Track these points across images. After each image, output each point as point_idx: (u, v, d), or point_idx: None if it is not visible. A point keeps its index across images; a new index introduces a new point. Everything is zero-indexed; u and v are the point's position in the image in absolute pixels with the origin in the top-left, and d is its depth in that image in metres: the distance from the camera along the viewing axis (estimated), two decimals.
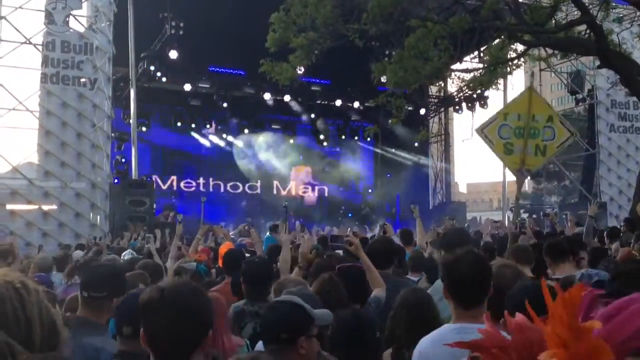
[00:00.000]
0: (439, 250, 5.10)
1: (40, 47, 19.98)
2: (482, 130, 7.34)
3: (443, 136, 34.72)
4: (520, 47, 17.91)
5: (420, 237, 9.49)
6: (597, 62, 19.02)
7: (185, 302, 2.54)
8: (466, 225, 21.94)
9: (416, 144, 30.93)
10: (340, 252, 7.72)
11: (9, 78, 20.07)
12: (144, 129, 26.16)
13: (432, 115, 34.19)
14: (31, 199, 19.34)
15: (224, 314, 4.20)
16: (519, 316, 1.62)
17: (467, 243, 4.96)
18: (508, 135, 6.90)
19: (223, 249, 8.36)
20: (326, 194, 32.48)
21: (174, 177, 29.55)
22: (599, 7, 16.59)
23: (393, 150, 32.49)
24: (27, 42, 20.03)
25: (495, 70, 18.18)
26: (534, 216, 29.20)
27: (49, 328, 1.91)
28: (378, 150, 32.72)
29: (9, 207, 19.13)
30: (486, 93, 28.42)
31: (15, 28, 19.95)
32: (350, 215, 30.49)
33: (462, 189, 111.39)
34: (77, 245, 13.89)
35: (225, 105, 28.38)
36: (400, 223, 25.66)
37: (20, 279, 1.95)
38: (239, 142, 30.50)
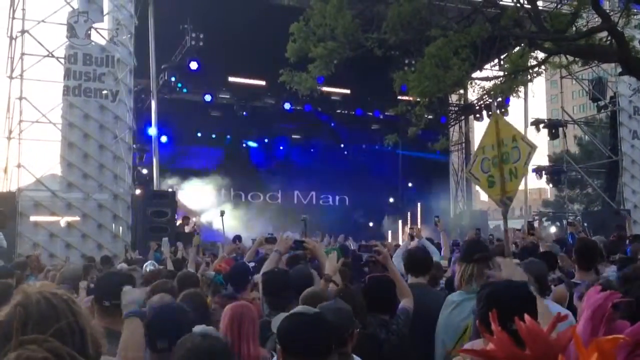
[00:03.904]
0: (459, 262, 5.08)
1: (62, 60, 20.17)
2: (470, 171, 7.31)
3: (464, 144, 34.57)
4: (540, 55, 17.82)
5: (445, 249, 9.52)
6: (619, 69, 18.88)
7: None
8: (490, 234, 21.80)
9: (437, 152, 30.83)
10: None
11: (32, 91, 20.26)
12: (165, 139, 26.32)
13: (452, 123, 34.09)
14: (54, 210, 19.50)
15: (253, 320, 4.21)
16: (529, 321, 1.60)
17: (482, 251, 4.96)
18: (488, 168, 6.84)
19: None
20: (347, 203, 32.43)
21: (195, 188, 29.62)
22: (620, 14, 16.46)
23: (414, 158, 32.40)
24: (50, 55, 20.24)
25: (516, 78, 18.08)
26: (557, 224, 29.01)
27: (96, 339, 1.94)
28: (399, 159, 32.63)
29: (32, 218, 19.29)
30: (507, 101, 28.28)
31: (38, 42, 20.20)
32: (370, 224, 30.41)
33: (484, 197, 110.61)
34: (102, 257, 13.92)
35: (245, 115, 28.49)
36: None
37: (65, 292, 1.98)
38: (259, 152, 30.57)
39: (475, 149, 7.55)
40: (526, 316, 1.63)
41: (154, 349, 3.47)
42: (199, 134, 29.15)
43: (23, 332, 1.76)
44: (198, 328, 3.37)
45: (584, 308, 1.80)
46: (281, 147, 31.04)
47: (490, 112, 29.43)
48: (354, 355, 3.94)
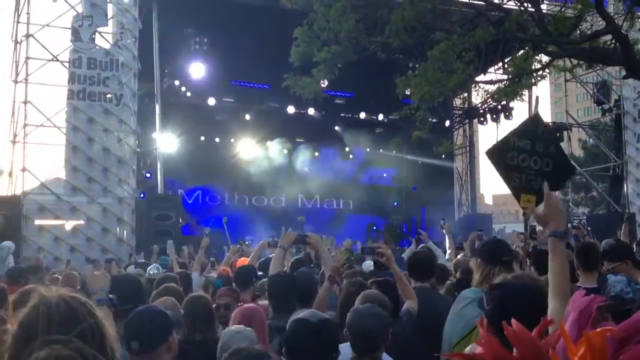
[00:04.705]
0: (476, 259, 5.01)
1: (67, 64, 20.24)
2: None
3: (468, 148, 34.56)
4: (544, 58, 17.79)
5: (450, 252, 9.55)
6: (623, 72, 18.85)
7: None
8: (493, 236, 21.76)
9: (442, 156, 30.84)
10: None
11: (36, 95, 20.33)
12: (168, 143, 26.33)
13: (456, 127, 34.08)
14: (59, 214, 19.53)
15: (262, 322, 4.23)
16: (516, 325, 1.61)
17: (509, 254, 4.89)
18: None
19: (239, 263, 8.45)
20: (351, 207, 32.41)
21: (199, 192, 29.69)
22: (624, 17, 16.46)
23: (418, 162, 32.39)
24: (54, 59, 20.31)
25: (520, 81, 18.05)
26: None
27: (114, 344, 1.97)
28: (403, 163, 32.65)
29: (37, 222, 19.33)
30: (511, 104, 28.27)
31: (43, 46, 20.28)
32: (375, 228, 30.41)
33: (488, 200, 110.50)
34: (106, 261, 14.01)
35: (249, 119, 28.51)
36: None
37: (83, 297, 2.01)
38: (263, 156, 30.58)
39: None
40: (513, 320, 1.64)
41: (129, 350, 3.50)
42: (203, 138, 29.17)
43: (47, 333, 1.79)
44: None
45: (570, 310, 1.83)
46: (285, 151, 31.02)
47: (494, 116, 29.46)
48: (385, 354, 3.97)
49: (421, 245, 10.13)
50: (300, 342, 3.27)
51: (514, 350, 1.60)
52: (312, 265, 8.61)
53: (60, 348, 1.70)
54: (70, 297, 1.95)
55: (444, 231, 10.90)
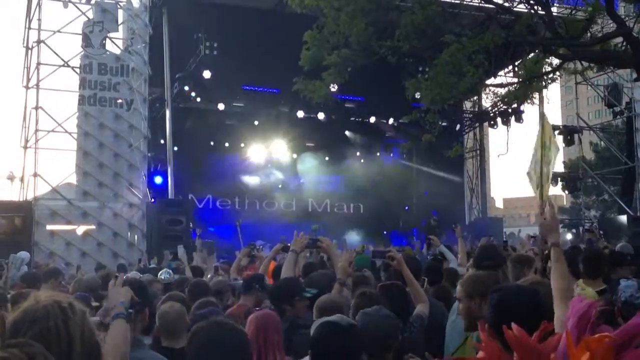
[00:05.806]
0: (471, 268, 5.05)
1: (77, 70, 20.34)
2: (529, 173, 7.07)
3: (478, 151, 34.43)
4: (555, 61, 17.75)
5: (462, 256, 9.52)
6: (635, 75, 18.77)
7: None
8: (504, 240, 21.66)
9: (452, 160, 30.73)
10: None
11: (48, 101, 20.44)
12: (178, 148, 26.36)
13: (466, 130, 33.93)
14: (70, 219, 19.60)
15: (278, 328, 4.22)
16: (517, 329, 1.62)
17: (499, 259, 4.92)
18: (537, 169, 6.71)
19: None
20: (361, 211, 32.35)
21: (209, 196, 29.66)
22: (635, 19, 16.40)
23: (428, 166, 32.32)
24: (65, 65, 20.40)
25: (530, 84, 18.01)
26: (573, 231, 28.85)
27: (91, 349, 1.95)
28: (413, 167, 32.59)
29: (49, 227, 19.40)
30: (521, 107, 28.15)
31: (54, 51, 20.39)
32: (385, 232, 30.35)
33: (499, 204, 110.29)
34: (118, 266, 14.05)
35: (258, 123, 28.53)
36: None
37: (69, 300, 2.00)
38: (273, 160, 30.58)
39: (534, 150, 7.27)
40: (513, 325, 1.65)
41: None
42: (212, 143, 29.18)
43: (16, 336, 1.80)
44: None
45: (568, 316, 1.84)
46: (294, 155, 31.00)
47: (505, 119, 29.31)
48: None
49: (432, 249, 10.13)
50: (329, 345, 3.28)
51: (515, 354, 1.61)
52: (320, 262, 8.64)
53: (15, 351, 1.70)
54: (54, 301, 1.95)
55: (455, 234, 10.90)
